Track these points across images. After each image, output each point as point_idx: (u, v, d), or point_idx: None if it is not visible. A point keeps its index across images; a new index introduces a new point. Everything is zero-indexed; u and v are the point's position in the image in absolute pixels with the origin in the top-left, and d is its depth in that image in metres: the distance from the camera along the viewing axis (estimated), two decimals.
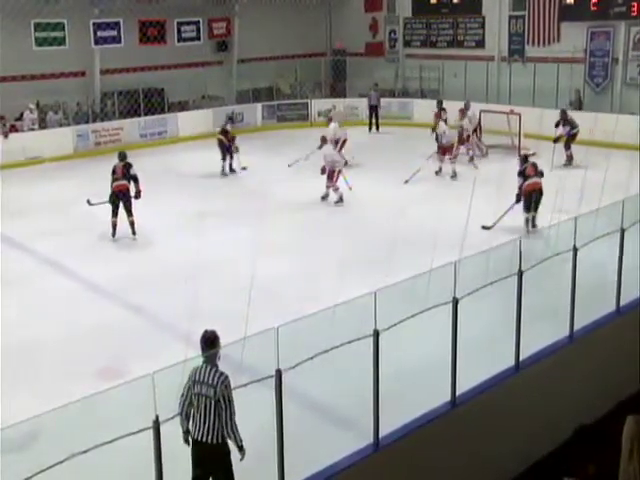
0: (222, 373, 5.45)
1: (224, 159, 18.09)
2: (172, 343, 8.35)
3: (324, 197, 15.46)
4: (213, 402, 5.40)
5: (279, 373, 5.15)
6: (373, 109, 23.78)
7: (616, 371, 7.96)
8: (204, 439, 5.44)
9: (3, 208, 14.83)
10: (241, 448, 5.47)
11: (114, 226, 13.17)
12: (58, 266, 11.85)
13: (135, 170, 13.32)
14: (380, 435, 5.92)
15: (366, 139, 22.42)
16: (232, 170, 18.23)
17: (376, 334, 5.69)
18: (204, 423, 5.44)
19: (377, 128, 23.59)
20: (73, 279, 11.30)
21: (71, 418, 4.65)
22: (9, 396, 7.40)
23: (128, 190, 13.20)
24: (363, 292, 5.63)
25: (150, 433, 4.62)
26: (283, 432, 5.26)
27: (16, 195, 16.43)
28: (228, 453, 5.53)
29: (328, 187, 15.33)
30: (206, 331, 5.71)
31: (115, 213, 13.15)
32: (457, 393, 6.53)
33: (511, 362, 7.15)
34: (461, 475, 6.58)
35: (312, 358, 5.60)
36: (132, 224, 13.15)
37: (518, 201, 12.84)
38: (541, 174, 12.92)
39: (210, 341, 5.63)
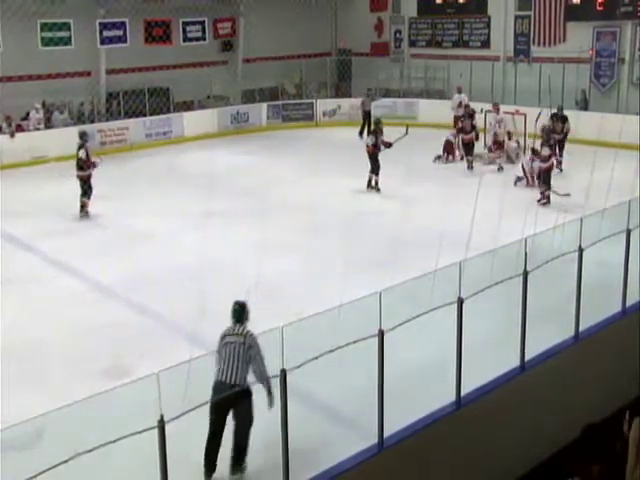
0: (250, 330, 6.18)
1: None
2: (177, 342, 8.35)
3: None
4: (240, 348, 6.03)
5: (284, 373, 5.15)
6: (366, 115, 22.88)
7: (622, 372, 7.93)
8: (227, 379, 5.95)
9: (9, 208, 14.86)
10: (270, 393, 5.85)
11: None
12: (63, 266, 11.86)
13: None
14: (385, 435, 5.92)
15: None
16: None
17: (381, 334, 5.68)
18: (229, 366, 6.00)
19: (369, 134, 22.87)
20: (78, 279, 11.31)
21: (76, 417, 4.66)
22: (14, 395, 7.42)
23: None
24: (368, 292, 5.63)
25: (155, 432, 4.62)
26: (288, 432, 5.26)
27: (22, 195, 16.47)
28: (250, 394, 6.00)
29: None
30: (236, 301, 6.46)
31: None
32: (462, 393, 6.52)
33: (516, 362, 7.14)
34: (465, 475, 6.57)
35: (317, 358, 5.60)
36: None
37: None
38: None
39: (241, 307, 6.40)
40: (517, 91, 22.67)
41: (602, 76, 22.15)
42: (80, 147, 14.73)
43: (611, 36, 21.74)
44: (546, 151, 15.32)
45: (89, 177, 14.56)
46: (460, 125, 18.55)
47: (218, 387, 5.97)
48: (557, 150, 17.18)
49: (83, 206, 14.55)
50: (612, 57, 21.85)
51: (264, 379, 5.95)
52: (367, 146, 16.42)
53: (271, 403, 5.84)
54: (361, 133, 22.59)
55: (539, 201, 14.81)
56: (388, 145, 16.26)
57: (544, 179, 15.12)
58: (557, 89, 21.29)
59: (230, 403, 5.99)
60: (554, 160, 15.60)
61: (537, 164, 15.48)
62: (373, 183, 16.26)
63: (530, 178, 16.01)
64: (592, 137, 17.85)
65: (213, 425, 6.05)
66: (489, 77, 23.54)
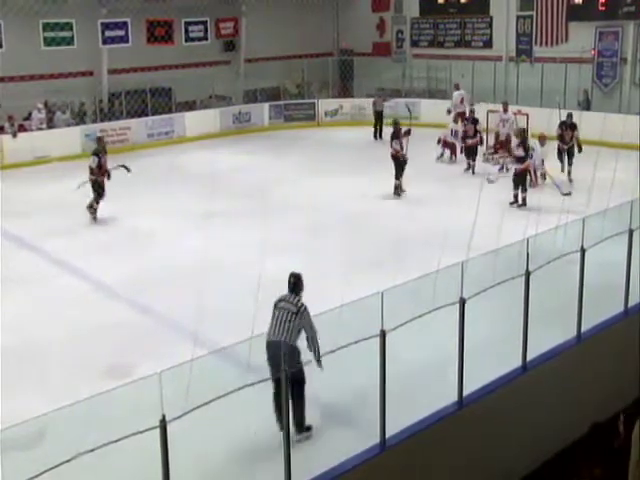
0: (302, 301, 6.77)
1: None
2: (179, 342, 8.35)
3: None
4: (290, 315, 6.65)
5: (286, 373, 5.15)
6: (378, 116, 22.74)
7: (624, 372, 7.92)
8: (276, 338, 6.49)
9: (11, 207, 14.88)
10: (319, 361, 6.29)
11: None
12: (66, 266, 11.87)
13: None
14: (386, 435, 5.91)
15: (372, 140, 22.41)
16: None
17: (383, 334, 5.68)
18: (278, 327, 6.62)
19: (381, 136, 22.24)
20: (81, 279, 11.31)
21: (78, 417, 4.66)
22: (16, 395, 7.43)
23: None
24: (370, 292, 5.62)
25: (157, 432, 4.62)
26: (290, 432, 5.26)
27: (24, 194, 16.49)
28: (299, 354, 6.44)
29: None
30: (292, 273, 7.02)
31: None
32: (464, 393, 6.52)
33: (518, 363, 7.13)
34: (467, 476, 6.56)
35: (319, 358, 5.60)
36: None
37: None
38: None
39: (295, 278, 6.98)
40: (519, 91, 22.64)
41: (604, 76, 22.13)
42: (93, 153, 14.59)
43: (613, 36, 21.72)
44: (520, 152, 14.94)
45: (102, 181, 14.37)
46: (463, 127, 18.44)
47: (269, 345, 6.55)
48: (566, 159, 16.81)
49: (91, 206, 14.39)
50: (614, 57, 21.83)
51: (314, 347, 6.42)
52: (395, 151, 15.68)
53: (321, 367, 6.28)
54: (375, 135, 22.46)
55: (512, 204, 14.54)
56: (407, 132, 15.70)
57: (517, 181, 14.78)
58: (559, 89, 21.28)
59: (276, 358, 6.25)
60: (530, 163, 15.07)
61: (512, 165, 15.26)
62: (399, 187, 15.70)
63: (533, 176, 15.89)
64: (594, 137, 17.82)
65: (274, 382, 6.36)
66: (491, 77, 23.51)
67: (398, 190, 15.66)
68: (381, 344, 5.70)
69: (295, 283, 6.96)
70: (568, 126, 16.99)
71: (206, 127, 23.02)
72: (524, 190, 14.67)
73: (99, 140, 15.20)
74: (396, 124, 16.13)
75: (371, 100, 23.91)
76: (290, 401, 6.21)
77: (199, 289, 9.25)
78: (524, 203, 14.57)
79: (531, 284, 7.02)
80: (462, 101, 20.52)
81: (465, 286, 6.29)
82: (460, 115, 19.72)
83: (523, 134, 15.36)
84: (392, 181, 15.94)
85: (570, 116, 17.08)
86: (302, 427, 6.70)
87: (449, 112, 20.72)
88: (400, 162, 15.60)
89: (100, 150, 14.64)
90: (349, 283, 8.94)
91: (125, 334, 9.13)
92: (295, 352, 6.47)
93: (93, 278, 11.25)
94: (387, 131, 21.58)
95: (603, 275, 9.01)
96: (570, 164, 16.79)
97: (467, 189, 15.94)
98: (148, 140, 22.00)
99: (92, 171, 14.39)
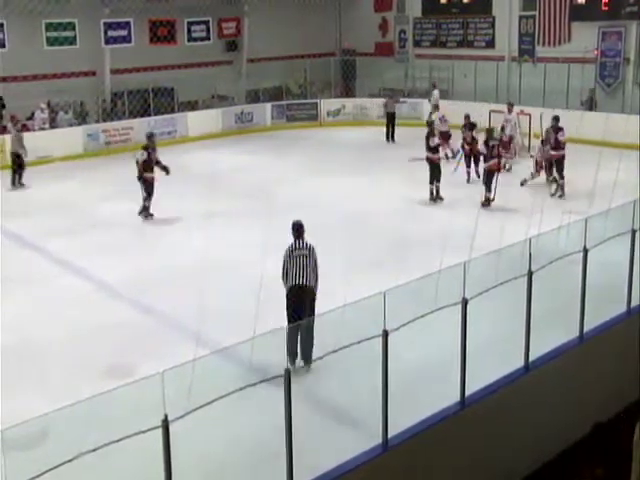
0: (310, 243, 8.20)
1: None
2: (181, 342, 8.36)
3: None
4: (309, 259, 8.09)
5: (288, 372, 5.15)
6: (390, 118, 22.19)
7: (626, 372, 7.91)
8: (302, 283, 7.95)
9: (13, 207, 14.90)
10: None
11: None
12: (68, 265, 11.87)
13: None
14: (389, 435, 5.91)
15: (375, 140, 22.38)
16: None
17: (385, 334, 5.67)
18: (302, 273, 7.99)
19: (393, 138, 21.96)
20: (82, 278, 11.32)
21: (80, 417, 4.66)
22: (18, 395, 7.43)
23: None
24: (372, 292, 5.62)
25: (159, 432, 4.62)
26: (292, 431, 5.26)
27: (27, 194, 16.50)
28: (315, 294, 8.07)
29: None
30: (294, 221, 8.38)
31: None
32: (466, 393, 6.51)
33: (521, 363, 7.13)
34: (469, 475, 6.56)
35: (321, 358, 5.61)
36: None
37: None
38: None
39: (299, 226, 8.34)
40: (522, 91, 22.62)
41: (607, 76, 22.10)
42: (143, 148, 14.43)
43: (616, 36, 21.69)
44: (483, 149, 14.81)
45: (152, 179, 14.25)
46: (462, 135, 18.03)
47: (294, 289, 7.93)
48: (554, 171, 15.35)
49: (145, 209, 14.27)
50: (617, 57, 21.79)
51: (316, 285, 8.11)
52: (433, 154, 15.20)
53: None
54: (388, 137, 22.05)
55: (483, 204, 14.37)
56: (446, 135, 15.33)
57: (485, 180, 14.66)
58: (562, 89, 21.27)
59: (304, 300, 7.81)
60: (500, 161, 14.81)
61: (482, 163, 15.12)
62: (435, 192, 15.17)
63: (536, 168, 15.83)
64: (597, 137, 17.81)
65: (289, 320, 7.77)
66: (493, 77, 23.50)
67: (434, 195, 15.08)
68: (383, 344, 5.70)
69: (299, 230, 8.28)
70: (555, 130, 15.35)
71: (208, 127, 23.03)
72: (488, 190, 14.53)
73: (150, 136, 14.91)
74: (430, 124, 15.73)
75: (374, 100, 23.92)
76: (300, 338, 7.68)
77: (201, 289, 9.25)
78: (488, 203, 14.46)
79: (533, 284, 7.01)
80: (443, 120, 19.82)
81: (467, 286, 6.28)
82: (443, 137, 18.88)
83: (490, 133, 15.25)
84: (392, 181, 15.95)
85: (556, 119, 15.41)
86: (311, 360, 7.70)
87: (435, 109, 20.58)
88: (434, 165, 15.09)
89: (150, 146, 14.43)
90: (351, 283, 8.93)
91: (126, 334, 9.13)
92: (314, 296, 8.00)
93: (95, 278, 11.25)
94: (399, 132, 21.81)
95: (605, 275, 9.00)
96: (561, 177, 15.14)
97: (469, 189, 15.98)
98: None
99: (140, 166, 14.20)
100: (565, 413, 7.31)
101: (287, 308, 7.94)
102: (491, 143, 14.76)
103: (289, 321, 7.76)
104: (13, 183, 17.22)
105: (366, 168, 18.02)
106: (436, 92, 23.04)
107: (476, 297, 6.39)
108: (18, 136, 17.66)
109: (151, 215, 14.39)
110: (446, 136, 18.08)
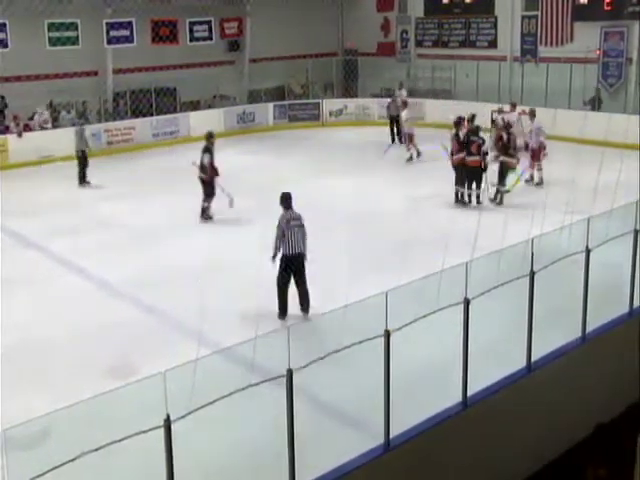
0: (299, 213, 9.51)
1: None
2: (183, 342, 8.35)
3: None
4: (302, 228, 9.37)
5: (290, 373, 5.15)
6: (393, 120, 21.60)
7: (628, 373, 7.90)
8: (298, 250, 9.29)
9: (16, 207, 14.91)
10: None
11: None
12: (70, 265, 11.88)
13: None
14: (391, 435, 5.90)
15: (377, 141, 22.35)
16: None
17: (387, 334, 5.67)
18: (297, 241, 9.30)
19: (400, 140, 21.10)
20: (84, 278, 11.33)
21: (81, 417, 4.66)
22: (20, 394, 7.44)
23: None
24: (374, 292, 5.61)
25: (161, 432, 4.62)
26: (294, 431, 5.26)
27: (29, 194, 16.51)
28: (305, 258, 9.40)
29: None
30: (284, 193, 9.67)
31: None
32: (468, 394, 6.50)
33: (523, 363, 7.12)
34: (471, 475, 6.55)
35: (323, 358, 5.59)
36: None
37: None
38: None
39: (289, 196, 9.65)
40: (524, 91, 22.60)
41: (610, 76, 22.07)
42: (204, 150, 13.97)
43: (619, 36, 21.66)
44: (453, 143, 14.99)
45: (212, 180, 13.82)
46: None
47: (294, 257, 9.24)
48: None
49: (204, 210, 13.97)
50: (620, 57, 21.76)
51: (306, 250, 9.41)
52: (455, 157, 14.92)
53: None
54: (393, 139, 21.52)
55: (461, 202, 14.69)
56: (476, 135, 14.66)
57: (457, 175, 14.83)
58: (564, 90, 21.25)
59: (298, 265, 9.28)
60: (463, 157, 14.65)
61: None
62: (466, 198, 14.77)
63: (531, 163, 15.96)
64: (599, 137, 17.77)
65: (283, 282, 9.22)
66: (496, 77, 23.49)
67: (459, 197, 14.84)
68: (385, 344, 5.70)
69: (288, 200, 9.53)
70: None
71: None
72: (462, 185, 14.67)
73: (209, 136, 14.31)
74: (458, 124, 15.23)
75: (376, 100, 23.87)
76: (298, 293, 9.26)
77: (202, 289, 9.25)
78: (462, 200, 14.68)
79: (536, 284, 7.00)
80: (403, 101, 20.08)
81: (469, 286, 6.27)
82: (409, 137, 18.99)
83: (457, 126, 15.25)
84: (393, 181, 15.94)
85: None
86: (309, 309, 9.29)
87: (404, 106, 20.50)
88: (457, 168, 14.81)
89: (210, 147, 13.96)
90: (353, 283, 8.93)
91: (128, 333, 9.14)
92: (304, 259, 9.41)
93: (96, 278, 11.26)
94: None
95: (608, 276, 8.99)
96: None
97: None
98: (153, 140, 22.03)
99: (203, 169, 13.78)
100: (567, 413, 7.30)
101: (283, 270, 9.22)
102: (472, 139, 14.70)
103: (281, 282, 9.23)
104: (81, 182, 17.15)
105: (368, 168, 18.01)
106: (404, 91, 23.17)
107: (478, 297, 6.38)
108: (79, 133, 17.54)
109: (210, 217, 13.99)
110: (410, 136, 18.73)
